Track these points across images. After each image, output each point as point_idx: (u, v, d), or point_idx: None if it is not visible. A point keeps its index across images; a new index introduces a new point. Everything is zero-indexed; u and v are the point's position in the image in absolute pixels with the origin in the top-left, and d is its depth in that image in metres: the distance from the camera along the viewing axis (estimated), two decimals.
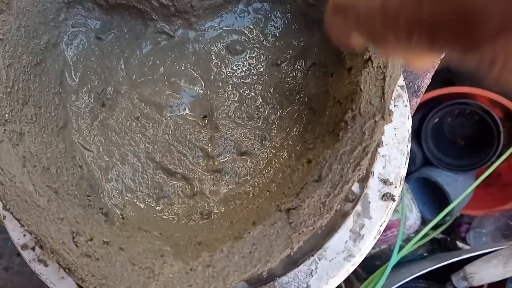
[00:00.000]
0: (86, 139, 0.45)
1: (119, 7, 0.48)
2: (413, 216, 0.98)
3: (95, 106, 0.46)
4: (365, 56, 0.35)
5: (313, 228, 0.32)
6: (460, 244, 1.06)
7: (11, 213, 0.32)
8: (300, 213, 0.32)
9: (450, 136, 1.03)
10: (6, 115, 0.35)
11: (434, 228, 0.95)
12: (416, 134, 0.98)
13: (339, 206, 0.34)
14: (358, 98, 0.34)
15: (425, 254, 1.03)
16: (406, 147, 0.46)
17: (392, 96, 0.35)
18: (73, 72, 0.47)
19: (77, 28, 0.49)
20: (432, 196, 1.02)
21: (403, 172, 0.46)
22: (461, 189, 0.94)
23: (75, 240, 0.31)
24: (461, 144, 1.03)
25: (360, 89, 0.35)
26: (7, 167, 0.32)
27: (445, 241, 1.08)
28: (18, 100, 0.38)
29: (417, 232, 0.98)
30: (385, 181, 0.43)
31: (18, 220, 0.31)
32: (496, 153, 0.91)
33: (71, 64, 0.48)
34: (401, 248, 0.84)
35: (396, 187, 0.45)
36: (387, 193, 0.43)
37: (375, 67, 0.35)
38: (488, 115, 0.90)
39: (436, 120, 0.98)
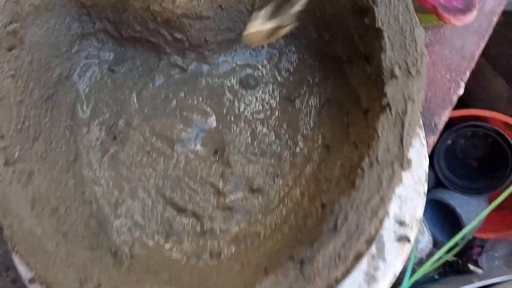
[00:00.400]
0: (96, 174, 0.44)
1: (132, 39, 0.48)
2: (424, 239, 0.96)
3: (106, 139, 0.46)
4: (382, 102, 0.35)
5: (328, 281, 0.31)
6: (472, 267, 1.04)
7: (20, 256, 0.31)
8: (315, 265, 0.31)
9: (463, 157, 1.02)
10: (16, 154, 0.35)
11: (446, 250, 0.94)
12: (429, 155, 0.97)
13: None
14: (375, 145, 0.34)
15: (437, 277, 1.01)
16: (423, 187, 0.45)
17: (410, 143, 0.34)
18: (85, 104, 0.47)
19: (90, 59, 0.48)
20: (444, 218, 1.00)
21: (420, 213, 0.44)
22: (474, 212, 0.93)
23: (83, 287, 0.31)
24: (474, 166, 1.01)
25: (378, 135, 0.34)
26: (16, 210, 0.32)
27: (457, 264, 1.06)
28: (28, 137, 0.38)
29: (429, 255, 0.96)
30: (401, 222, 0.42)
31: (27, 263, 0.31)
32: (510, 176, 0.89)
33: (83, 96, 0.47)
34: (413, 271, 0.82)
35: (412, 228, 0.44)
36: (402, 234, 0.42)
37: (393, 114, 0.34)
38: (501, 137, 0.88)
39: (449, 141, 0.97)
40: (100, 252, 0.36)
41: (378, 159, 0.33)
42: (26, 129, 0.38)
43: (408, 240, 0.42)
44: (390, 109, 0.34)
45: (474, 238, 1.03)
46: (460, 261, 1.05)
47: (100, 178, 0.44)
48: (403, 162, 0.33)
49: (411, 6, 0.38)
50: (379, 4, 0.37)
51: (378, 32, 0.37)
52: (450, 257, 0.99)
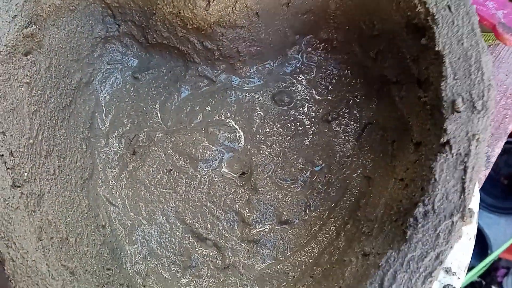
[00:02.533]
0: (112, 192, 0.40)
1: (159, 46, 0.44)
2: None
3: (125, 153, 0.42)
4: (442, 139, 0.30)
5: None
6: None
7: None
8: None
9: (493, 174, 0.97)
10: (26, 173, 0.31)
11: (469, 269, 0.89)
12: None
13: None
14: (431, 190, 0.29)
15: None
16: (473, 230, 0.40)
17: (473, 191, 0.29)
18: (104, 113, 0.43)
19: (112, 65, 0.45)
20: None
21: (468, 260, 0.40)
22: (502, 232, 0.89)
23: None
24: (504, 184, 0.96)
25: (435, 179, 0.29)
26: (20, 241, 0.28)
27: (480, 285, 1.01)
28: (41, 153, 0.34)
29: None
30: (446, 270, 0.37)
31: None
32: None
33: (103, 104, 0.44)
34: None
35: (459, 278, 0.39)
36: (448, 285, 0.38)
37: (454, 154, 0.29)
38: None
39: None
40: None
41: (435, 208, 0.29)
42: (38, 143, 0.35)
43: None
44: (450, 149, 0.30)
45: (499, 259, 0.98)
46: (484, 282, 1.00)
47: (116, 197, 0.40)
48: (465, 214, 0.28)
49: (477, 29, 0.33)
50: (440, 23, 0.32)
51: (438, 56, 0.32)
52: (474, 278, 0.94)
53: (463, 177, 0.29)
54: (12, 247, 0.28)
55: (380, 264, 0.28)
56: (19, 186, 0.30)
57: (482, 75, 0.31)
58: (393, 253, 0.28)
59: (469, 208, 0.29)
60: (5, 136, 0.31)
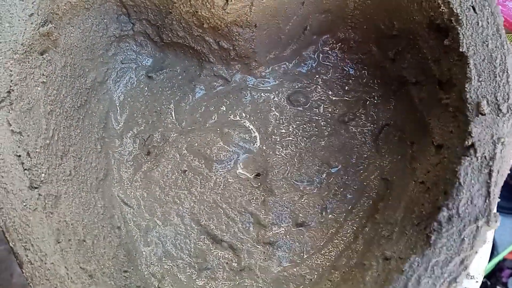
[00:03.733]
0: (127, 193, 0.40)
1: (174, 45, 0.44)
2: None
3: (140, 154, 0.42)
4: (466, 142, 0.29)
5: None
6: None
7: None
8: None
9: None
10: (43, 174, 0.31)
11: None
12: None
13: None
14: (456, 194, 0.28)
15: None
16: (490, 233, 0.40)
17: (498, 195, 0.28)
18: (119, 113, 0.43)
19: (127, 64, 0.44)
20: None
21: (485, 263, 0.39)
22: (508, 233, 0.88)
23: None
24: (510, 184, 0.95)
25: (459, 182, 0.28)
26: (38, 243, 0.28)
27: (485, 285, 1.00)
28: (57, 153, 0.34)
29: None
30: None
31: None
32: None
33: (117, 104, 0.43)
34: None
35: (477, 281, 0.38)
36: None
37: (479, 158, 0.29)
38: None
39: None
40: None
41: (460, 212, 0.28)
42: (54, 143, 0.34)
43: None
44: (475, 152, 0.29)
45: (504, 259, 0.97)
46: (489, 283, 0.99)
47: (131, 198, 0.40)
48: (490, 218, 0.28)
49: (502, 30, 0.32)
50: (464, 24, 0.32)
51: (461, 57, 0.32)
52: None
53: (488, 181, 0.28)
54: (30, 250, 0.28)
55: (403, 269, 0.27)
56: (36, 187, 0.30)
57: (508, 77, 0.30)
58: (417, 258, 0.27)
59: (494, 213, 0.28)
60: (22, 137, 0.31)
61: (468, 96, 0.30)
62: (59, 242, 0.29)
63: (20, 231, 0.28)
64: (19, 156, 0.30)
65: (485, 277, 0.96)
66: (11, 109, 0.31)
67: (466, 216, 0.28)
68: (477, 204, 0.28)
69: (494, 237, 0.89)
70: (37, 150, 0.32)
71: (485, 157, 0.29)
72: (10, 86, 0.31)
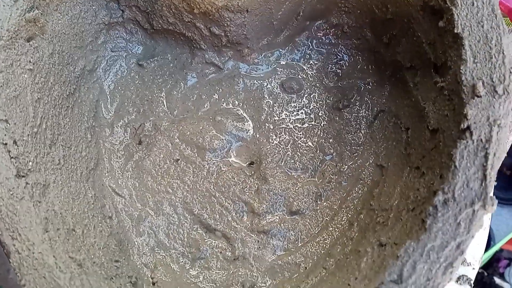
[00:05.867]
0: (118, 183, 0.39)
1: (165, 32, 0.43)
2: None
3: (131, 143, 0.41)
4: (462, 125, 0.29)
5: None
6: (498, 280, 0.99)
7: None
8: None
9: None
10: (30, 163, 0.30)
11: None
12: None
13: None
14: (451, 178, 0.28)
15: None
16: (487, 219, 0.39)
17: (495, 178, 0.28)
18: (109, 102, 0.42)
19: (117, 52, 0.44)
20: None
21: (482, 250, 0.39)
22: (504, 223, 0.89)
23: None
24: (507, 174, 0.96)
25: (455, 166, 0.28)
26: (25, 232, 0.27)
27: (482, 276, 1.00)
28: (45, 141, 0.33)
29: None
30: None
31: None
32: None
33: (108, 93, 0.43)
34: None
35: (474, 268, 0.38)
36: (462, 275, 0.37)
37: (475, 140, 0.28)
38: None
39: None
40: (119, 282, 0.31)
41: (455, 196, 0.27)
42: (42, 132, 0.33)
43: (470, 283, 0.36)
44: (471, 135, 0.28)
45: (501, 250, 0.98)
46: (486, 273, 0.99)
47: (123, 187, 0.39)
48: (486, 202, 0.27)
49: (498, 10, 0.31)
50: (459, 5, 0.31)
51: (456, 39, 0.31)
52: None
53: (484, 164, 0.28)
54: (17, 239, 0.27)
55: (398, 255, 0.27)
56: (23, 176, 0.29)
57: (503, 59, 0.30)
58: (412, 243, 0.27)
59: (491, 196, 0.28)
60: (8, 125, 0.30)
61: (463, 78, 0.30)
62: (47, 231, 0.28)
63: (7, 220, 0.27)
64: (6, 144, 0.29)
65: (482, 267, 0.96)
66: None
67: (462, 199, 0.27)
68: (473, 187, 0.28)
69: (490, 227, 0.90)
70: (24, 138, 0.31)
71: (481, 139, 0.28)
72: None
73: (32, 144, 0.32)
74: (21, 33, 0.33)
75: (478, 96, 0.29)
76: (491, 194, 0.28)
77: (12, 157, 0.29)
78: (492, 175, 0.28)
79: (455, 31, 0.31)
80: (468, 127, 0.28)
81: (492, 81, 0.29)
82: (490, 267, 1.01)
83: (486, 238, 0.40)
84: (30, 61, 0.34)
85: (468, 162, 0.28)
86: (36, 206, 0.28)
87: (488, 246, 0.89)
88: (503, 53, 0.30)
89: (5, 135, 0.30)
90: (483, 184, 0.28)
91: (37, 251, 0.27)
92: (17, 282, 0.26)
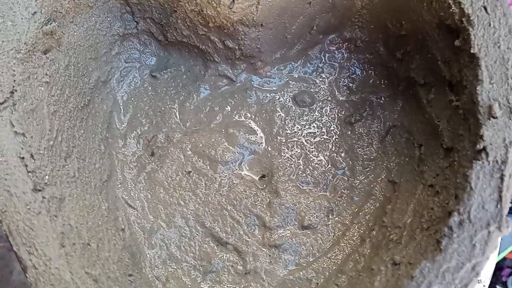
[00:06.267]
0: (130, 194, 0.40)
1: (178, 44, 0.43)
2: None
3: (144, 154, 0.41)
4: (478, 146, 0.29)
5: None
6: None
7: None
8: None
9: None
10: (47, 176, 0.30)
11: None
12: None
13: None
14: (467, 199, 0.28)
15: None
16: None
17: (510, 200, 0.28)
18: (122, 113, 0.43)
19: (130, 63, 0.44)
20: None
21: (492, 266, 0.39)
22: (509, 233, 0.86)
23: None
24: None
25: (471, 187, 0.28)
26: (42, 247, 0.27)
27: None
28: (60, 154, 0.33)
29: None
30: None
31: None
32: None
33: (121, 103, 0.43)
34: None
35: (484, 285, 0.38)
36: None
37: (491, 162, 0.28)
38: None
39: None
40: None
41: (471, 217, 0.27)
42: (58, 144, 0.34)
43: None
44: (487, 156, 0.28)
45: (504, 258, 0.97)
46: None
47: (135, 199, 0.39)
48: (502, 223, 0.27)
49: None
50: (476, 25, 0.31)
51: (473, 59, 0.31)
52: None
53: (500, 185, 0.28)
54: (34, 254, 0.27)
55: (413, 275, 0.27)
56: (40, 190, 0.29)
57: None
58: (427, 264, 0.27)
59: (506, 217, 0.28)
60: (25, 138, 0.30)
61: (479, 98, 0.30)
62: (63, 246, 0.28)
63: (24, 235, 0.28)
64: (23, 158, 0.29)
65: None
66: (14, 109, 0.30)
67: (477, 221, 0.27)
68: (489, 209, 0.28)
69: None
70: (40, 151, 0.31)
71: (497, 161, 0.28)
72: (13, 86, 0.31)
73: (48, 157, 0.32)
74: (38, 45, 0.33)
75: (494, 117, 0.29)
76: (506, 215, 0.28)
77: (29, 171, 0.29)
78: (508, 196, 0.28)
79: (472, 51, 0.31)
80: (484, 148, 0.28)
81: (509, 102, 0.29)
82: (493, 276, 1.01)
83: (496, 254, 0.40)
84: (46, 74, 0.34)
85: (484, 184, 0.28)
86: (53, 221, 0.29)
87: None
88: None
89: (22, 148, 0.30)
90: (498, 205, 0.28)
91: (54, 266, 0.27)
92: (19, 284, 0.26)
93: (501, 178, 0.28)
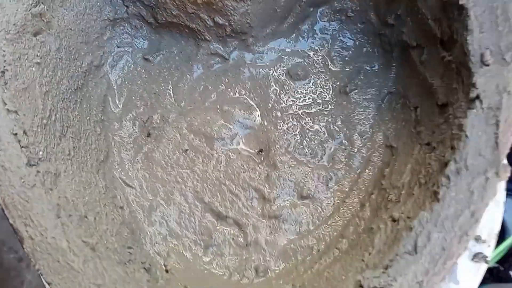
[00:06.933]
0: (128, 174, 0.40)
1: (169, 25, 0.43)
2: None
3: (140, 136, 0.42)
4: (471, 94, 0.28)
5: None
6: None
7: (40, 274, 0.27)
8: None
9: (510, 157, 0.94)
10: (41, 152, 0.31)
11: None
12: None
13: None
14: (463, 147, 0.27)
15: None
16: (502, 195, 0.39)
17: (508, 145, 0.28)
18: (117, 96, 0.43)
19: (122, 48, 0.44)
20: None
21: (498, 226, 0.38)
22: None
23: None
24: None
25: (466, 135, 0.27)
26: (38, 218, 0.27)
27: (497, 271, 0.98)
28: (55, 133, 0.34)
29: None
30: (476, 238, 0.36)
31: (48, 283, 0.26)
32: None
33: (115, 87, 0.43)
34: None
35: (489, 245, 0.37)
36: (478, 253, 0.36)
37: (485, 108, 0.28)
38: None
39: None
40: (133, 267, 0.31)
41: (467, 164, 0.27)
42: (52, 123, 0.34)
43: (486, 260, 0.36)
44: (481, 103, 0.28)
45: None
46: (502, 268, 0.97)
47: (133, 179, 0.39)
48: (499, 169, 0.27)
49: None
50: None
51: (462, 11, 0.31)
52: (491, 263, 0.91)
53: (496, 131, 0.27)
54: (30, 225, 0.27)
55: (412, 226, 0.26)
56: (34, 165, 0.30)
57: (510, 26, 0.29)
58: (425, 214, 0.27)
59: (504, 164, 0.27)
60: (18, 116, 0.31)
61: (470, 48, 0.29)
62: (59, 217, 0.28)
63: (19, 207, 0.28)
64: (16, 134, 0.30)
65: (497, 262, 0.94)
66: (5, 88, 0.31)
67: (474, 168, 0.27)
68: (486, 155, 0.27)
69: (504, 219, 0.87)
70: (34, 129, 0.31)
71: (491, 107, 0.28)
72: (4, 66, 0.31)
73: (42, 134, 0.32)
74: (27, 27, 0.34)
75: (486, 65, 0.29)
76: (505, 161, 0.27)
77: (22, 147, 0.30)
78: (504, 142, 0.27)
79: (460, 2, 0.30)
80: (478, 96, 0.28)
81: (500, 49, 0.29)
82: (507, 262, 0.99)
83: (501, 215, 0.39)
84: (37, 55, 0.34)
85: (479, 131, 0.28)
86: (48, 193, 0.29)
87: (502, 240, 0.86)
88: (509, 21, 0.30)
89: (15, 125, 0.30)
90: (495, 151, 0.27)
91: (50, 236, 0.27)
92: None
93: (496, 124, 0.28)
